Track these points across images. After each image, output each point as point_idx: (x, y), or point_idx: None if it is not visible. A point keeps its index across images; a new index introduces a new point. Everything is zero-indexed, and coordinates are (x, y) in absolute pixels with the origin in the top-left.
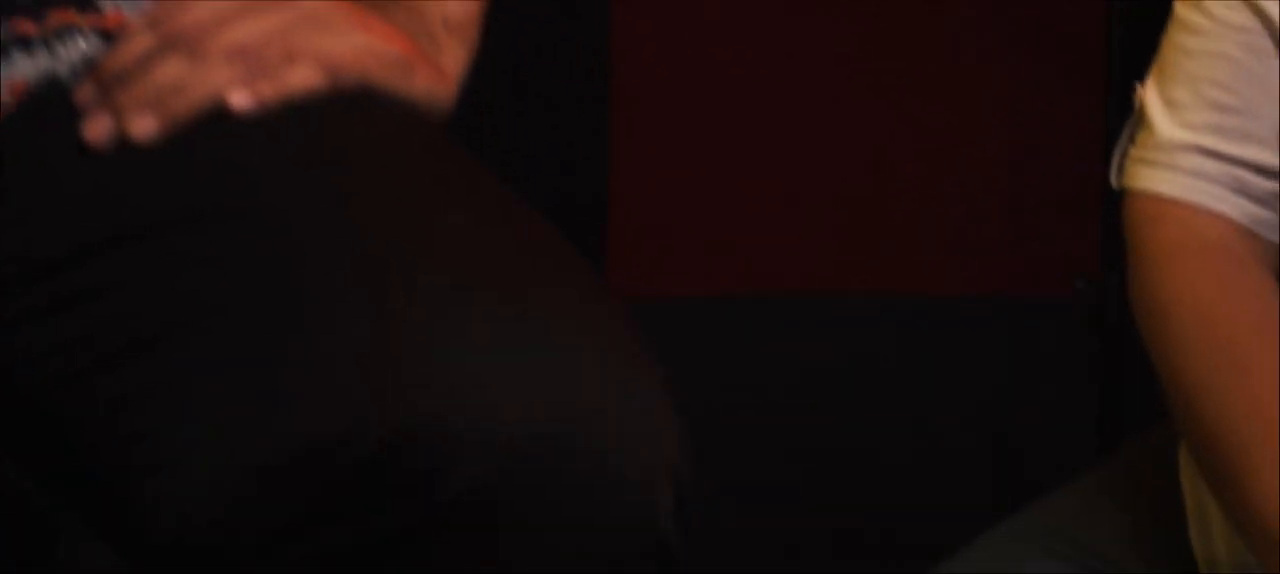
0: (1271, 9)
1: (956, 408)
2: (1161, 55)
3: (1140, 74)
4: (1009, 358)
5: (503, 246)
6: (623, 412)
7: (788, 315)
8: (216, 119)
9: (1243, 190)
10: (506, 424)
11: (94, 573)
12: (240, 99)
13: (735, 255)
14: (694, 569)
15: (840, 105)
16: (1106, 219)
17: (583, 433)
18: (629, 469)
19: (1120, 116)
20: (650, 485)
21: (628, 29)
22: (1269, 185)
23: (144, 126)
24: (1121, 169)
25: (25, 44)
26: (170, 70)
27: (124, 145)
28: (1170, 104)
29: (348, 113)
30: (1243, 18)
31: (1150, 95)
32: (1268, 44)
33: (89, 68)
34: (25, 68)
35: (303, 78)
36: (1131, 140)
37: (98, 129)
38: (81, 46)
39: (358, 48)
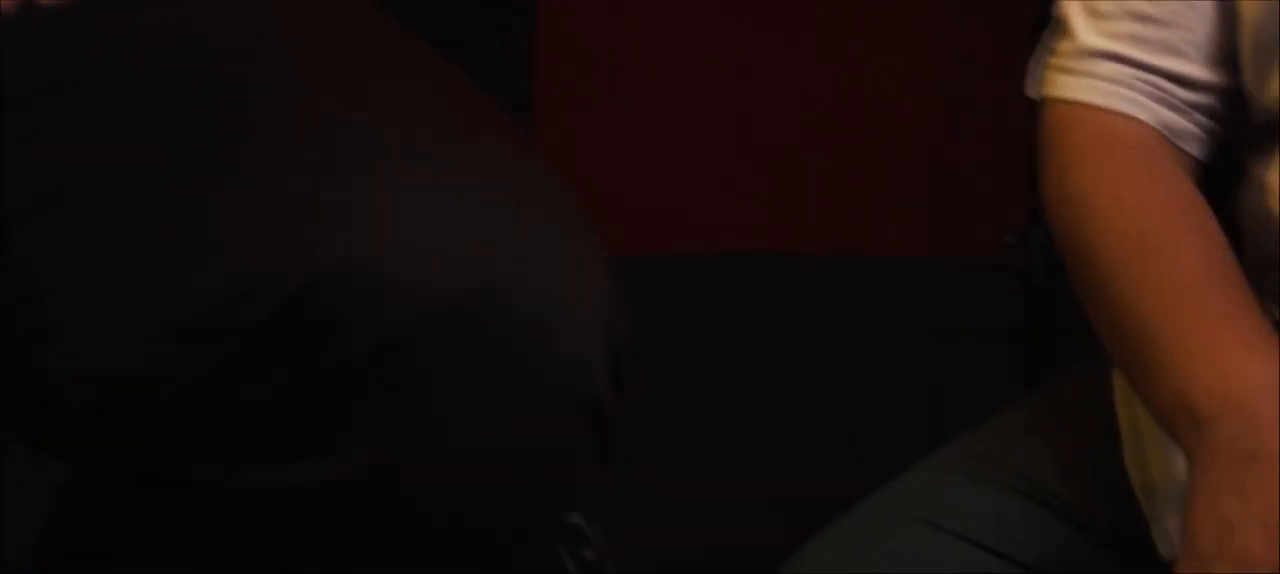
0: None
1: (886, 366)
2: None
3: None
4: (938, 316)
5: (434, 103)
6: (556, 268)
7: (714, 274)
8: None
9: (1162, 99)
10: (434, 270)
11: None
12: None
13: (659, 215)
14: (626, 486)
15: (765, 64)
16: (1032, 174)
17: (514, 285)
18: (561, 326)
19: None
20: (583, 344)
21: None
22: (1189, 95)
23: None
24: (1040, 78)
25: None
26: None
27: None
28: (1093, 13)
29: None
30: None
31: (1072, 3)
32: None
33: None
34: None
35: None
36: (1050, 49)
37: None
38: None
39: None
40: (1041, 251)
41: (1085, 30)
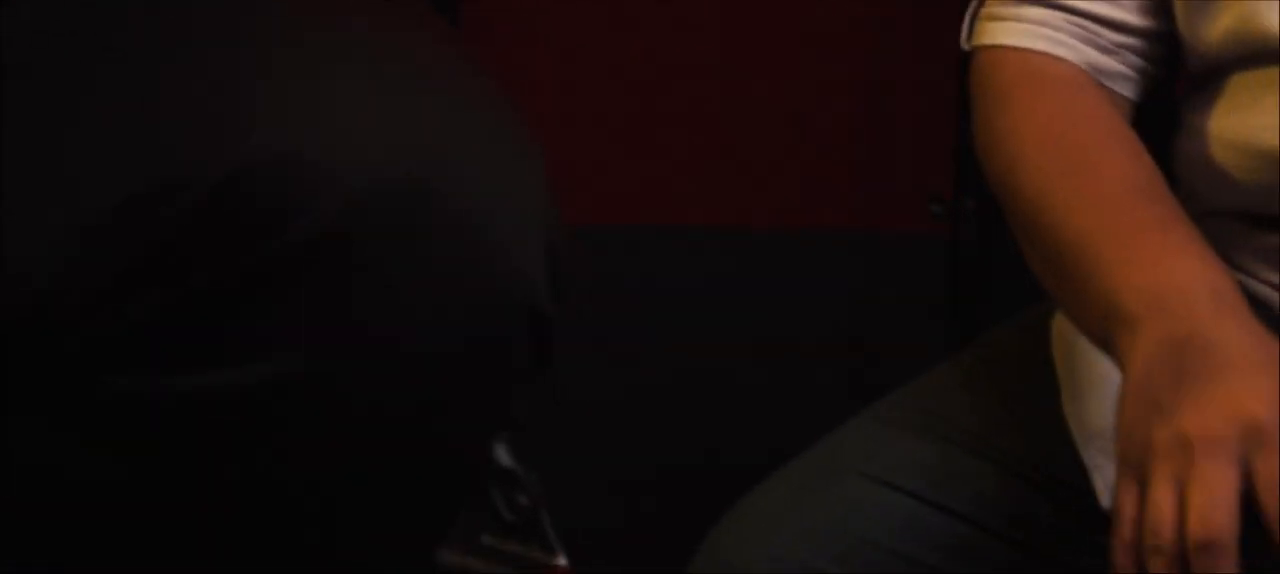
0: None
1: (817, 337)
2: None
3: None
4: (868, 287)
5: (370, 3)
6: (494, 171)
7: (644, 247)
8: None
9: (1089, 40)
10: (367, 164)
11: None
12: None
13: (589, 188)
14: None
15: (694, 38)
16: (960, 145)
17: (450, 184)
18: (498, 228)
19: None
20: (520, 247)
21: None
22: (1119, 38)
23: None
24: (972, 31)
25: None
26: None
27: None
28: None
29: None
30: None
31: None
32: None
33: None
34: None
35: None
36: (982, 1)
37: None
38: None
39: None
40: (970, 221)
41: None
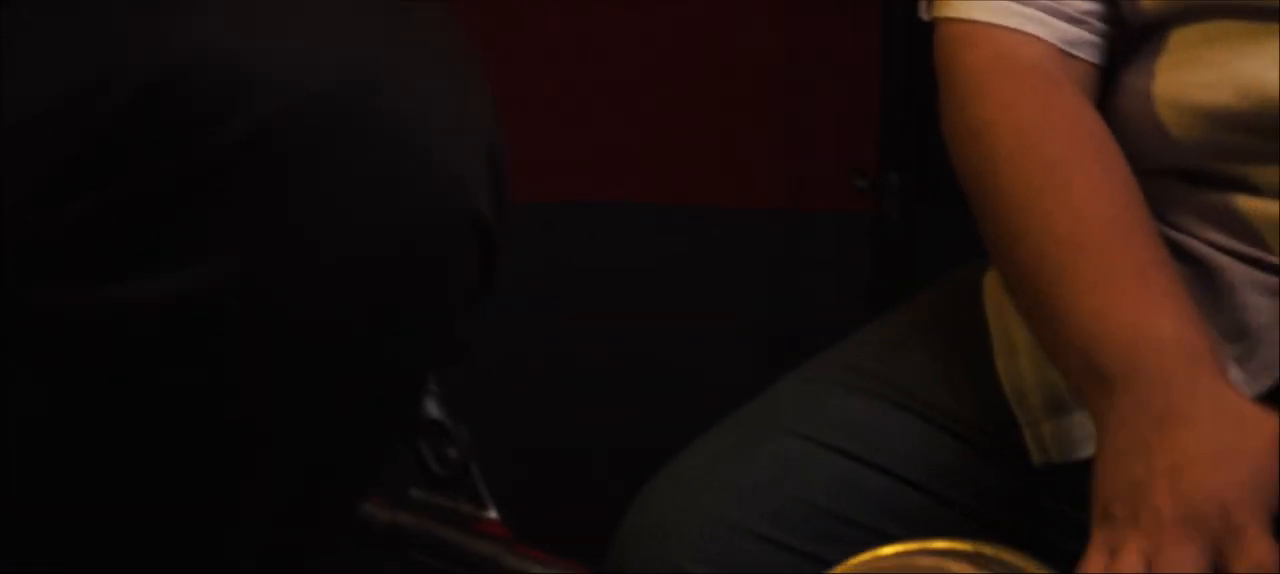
0: None
1: (741, 316)
2: None
3: None
4: (793, 265)
5: None
6: (434, 78)
7: (567, 224)
8: None
9: (1057, 11)
10: (302, 65)
11: None
12: None
13: (518, 165)
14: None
15: (622, 16)
16: (886, 122)
17: (388, 89)
18: (438, 135)
19: (901, 21)
20: (460, 156)
21: None
22: (1085, 4)
23: None
24: (932, 1)
25: None
26: None
27: None
28: None
29: None
30: None
31: None
32: None
33: None
34: None
35: None
36: None
37: None
38: None
39: None
40: (895, 198)
41: None
